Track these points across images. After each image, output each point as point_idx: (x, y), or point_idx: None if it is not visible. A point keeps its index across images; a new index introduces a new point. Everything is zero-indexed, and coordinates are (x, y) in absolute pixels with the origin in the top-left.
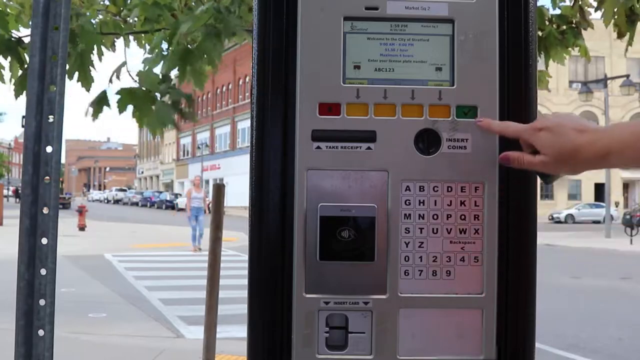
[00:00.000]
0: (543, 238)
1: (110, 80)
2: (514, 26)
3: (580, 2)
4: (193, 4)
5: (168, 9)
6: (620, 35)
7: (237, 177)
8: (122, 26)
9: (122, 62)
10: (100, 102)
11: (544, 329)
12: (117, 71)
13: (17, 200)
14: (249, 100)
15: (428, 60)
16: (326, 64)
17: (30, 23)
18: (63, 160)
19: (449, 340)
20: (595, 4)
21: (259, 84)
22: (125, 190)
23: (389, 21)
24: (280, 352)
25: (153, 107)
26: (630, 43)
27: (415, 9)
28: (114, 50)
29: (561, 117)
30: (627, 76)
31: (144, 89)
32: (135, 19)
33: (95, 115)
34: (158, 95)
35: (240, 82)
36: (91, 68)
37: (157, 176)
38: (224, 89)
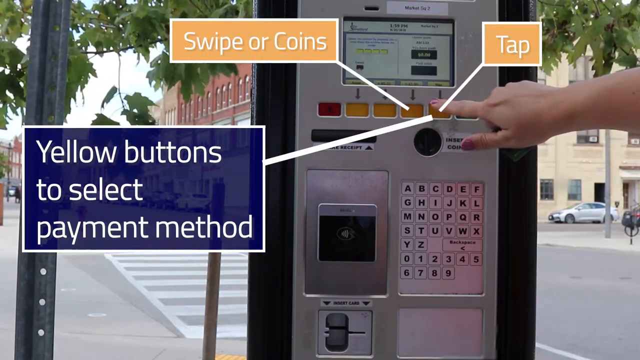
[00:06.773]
0: (543, 238)
1: (102, 106)
2: None
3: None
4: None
5: (162, 20)
6: (596, 76)
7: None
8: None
9: (112, 88)
10: None
11: (544, 329)
12: (108, 97)
13: (17, 200)
14: (249, 100)
15: (428, 61)
16: (326, 64)
17: (30, 23)
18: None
19: (449, 340)
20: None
21: (259, 84)
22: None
23: (389, 21)
24: (280, 352)
25: None
26: None
27: (415, 9)
28: (96, 76)
29: (516, 87)
30: None
31: (135, 112)
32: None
33: None
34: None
35: (240, 82)
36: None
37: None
38: (224, 89)
